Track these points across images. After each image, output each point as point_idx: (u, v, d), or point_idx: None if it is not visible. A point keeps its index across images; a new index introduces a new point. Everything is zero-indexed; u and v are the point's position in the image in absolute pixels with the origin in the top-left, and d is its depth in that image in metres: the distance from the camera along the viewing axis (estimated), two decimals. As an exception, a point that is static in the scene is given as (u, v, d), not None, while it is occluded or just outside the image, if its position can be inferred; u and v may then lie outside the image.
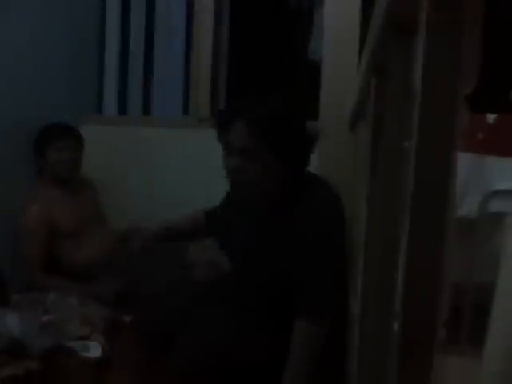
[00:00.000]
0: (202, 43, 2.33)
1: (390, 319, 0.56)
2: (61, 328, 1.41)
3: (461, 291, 1.42)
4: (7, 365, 1.21)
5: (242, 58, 2.58)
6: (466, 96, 0.38)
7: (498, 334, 0.36)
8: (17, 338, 1.32)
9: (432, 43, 0.37)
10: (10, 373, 1.17)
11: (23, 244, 1.82)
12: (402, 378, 0.38)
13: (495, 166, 1.56)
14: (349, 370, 1.07)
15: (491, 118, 1.59)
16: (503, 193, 1.54)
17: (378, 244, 0.67)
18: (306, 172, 1.33)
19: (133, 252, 1.92)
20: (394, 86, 0.54)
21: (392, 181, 0.59)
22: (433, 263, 0.40)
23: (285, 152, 1.22)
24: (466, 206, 1.53)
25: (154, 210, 2.26)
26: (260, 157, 1.21)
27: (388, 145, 0.59)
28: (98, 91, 2.45)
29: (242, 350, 1.25)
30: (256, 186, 1.24)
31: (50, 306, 1.49)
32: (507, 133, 1.59)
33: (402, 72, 0.51)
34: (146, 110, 2.47)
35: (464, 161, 1.53)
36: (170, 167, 2.30)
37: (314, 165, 1.44)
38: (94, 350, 1.38)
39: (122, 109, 2.46)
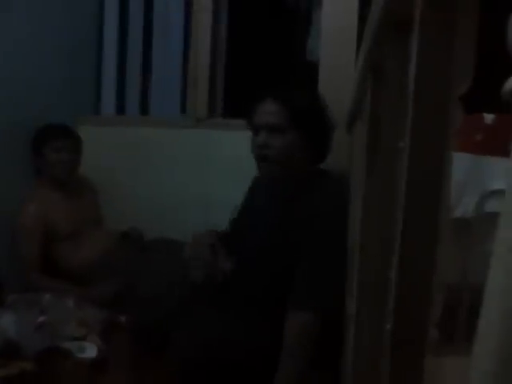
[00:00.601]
0: (201, 43, 2.33)
1: (383, 319, 0.56)
2: (56, 329, 1.41)
3: (457, 291, 1.42)
4: (2, 366, 1.20)
5: (240, 57, 2.58)
6: (460, 97, 0.38)
7: (487, 335, 0.36)
8: (12, 338, 1.31)
9: (425, 42, 0.37)
10: (4, 373, 1.17)
11: (20, 244, 1.81)
12: (393, 378, 0.38)
13: (493, 166, 1.56)
14: (344, 371, 1.07)
15: (489, 118, 1.59)
16: (500, 193, 1.54)
17: (373, 244, 0.67)
18: (321, 169, 1.39)
19: (132, 253, 1.92)
20: (390, 85, 0.54)
21: (387, 181, 0.59)
22: (425, 263, 0.40)
23: (309, 133, 1.30)
24: (463, 206, 1.53)
25: (152, 210, 2.26)
26: (286, 133, 1.27)
27: (384, 145, 0.59)
28: (95, 91, 2.44)
29: (238, 347, 1.25)
30: (280, 162, 1.29)
31: (46, 307, 1.49)
32: (505, 133, 1.59)
33: (398, 71, 0.51)
34: (144, 110, 2.47)
35: (461, 161, 1.53)
36: (168, 167, 2.29)
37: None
38: (90, 351, 1.38)
39: (120, 109, 2.46)
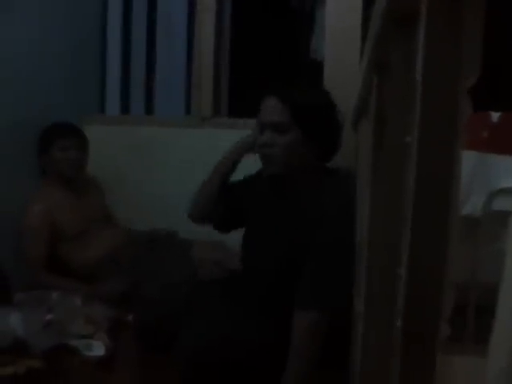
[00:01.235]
0: (204, 42, 2.33)
1: (392, 317, 0.55)
2: (64, 327, 1.41)
3: (465, 290, 1.41)
4: (10, 364, 1.21)
5: (245, 57, 2.58)
6: (468, 90, 0.38)
7: (502, 334, 0.36)
8: (20, 336, 1.32)
9: (432, 34, 0.36)
10: (12, 371, 1.17)
11: (26, 244, 1.82)
12: (403, 376, 0.38)
13: (500, 164, 1.55)
14: (353, 370, 1.07)
15: (495, 116, 1.58)
16: (508, 191, 1.53)
17: (381, 241, 0.66)
18: (328, 167, 1.38)
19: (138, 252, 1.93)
20: (395, 80, 0.53)
21: (395, 177, 0.59)
22: (435, 260, 0.40)
23: (313, 131, 1.28)
24: (471, 204, 1.52)
25: (157, 209, 2.26)
26: (289, 131, 1.27)
27: (390, 141, 0.59)
28: (100, 91, 2.45)
29: (244, 346, 1.25)
30: (283, 160, 1.29)
31: (54, 305, 1.49)
32: (511, 131, 1.58)
33: (404, 65, 0.51)
34: (149, 109, 2.47)
35: (468, 159, 1.52)
36: (173, 166, 2.30)
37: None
38: (98, 349, 1.38)
39: (125, 109, 2.46)
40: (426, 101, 0.37)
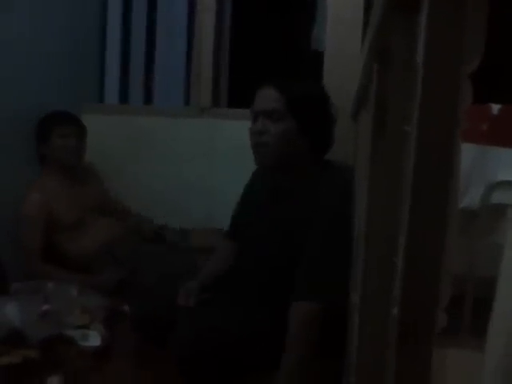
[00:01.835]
0: (205, 33, 2.31)
1: (388, 308, 0.55)
2: (60, 317, 1.41)
3: (462, 282, 1.41)
4: (6, 354, 1.20)
5: (245, 47, 2.56)
6: (469, 75, 0.37)
7: (500, 324, 0.35)
8: (16, 326, 1.31)
9: (435, 20, 0.35)
10: (8, 361, 1.17)
11: (23, 233, 1.81)
12: (400, 365, 0.37)
13: (499, 157, 1.55)
14: (349, 359, 1.07)
15: (495, 108, 1.57)
16: (506, 184, 1.52)
17: (379, 232, 0.66)
18: (325, 159, 1.37)
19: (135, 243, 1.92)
20: (396, 68, 0.52)
21: (393, 167, 0.58)
22: (433, 249, 0.39)
23: (307, 122, 1.28)
24: (469, 196, 1.52)
25: (155, 198, 2.26)
26: (282, 120, 1.26)
27: (389, 130, 0.58)
28: (99, 80, 2.43)
29: (241, 335, 1.25)
30: (276, 149, 1.27)
31: (50, 295, 1.49)
32: (511, 123, 1.57)
33: (405, 53, 0.50)
34: (148, 99, 2.46)
35: (468, 151, 1.52)
36: (172, 156, 2.29)
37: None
38: (94, 339, 1.38)
39: (124, 98, 2.45)
40: (426, 87, 0.36)
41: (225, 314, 1.32)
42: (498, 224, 1.46)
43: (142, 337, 1.43)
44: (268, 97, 1.28)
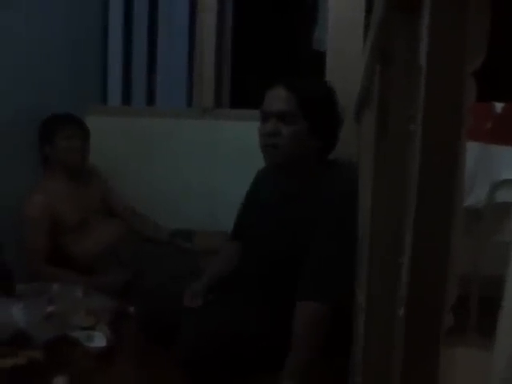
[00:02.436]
0: (206, 34, 2.31)
1: (394, 307, 0.55)
2: (65, 318, 1.41)
3: (467, 282, 1.40)
4: (12, 355, 1.21)
5: (247, 48, 2.56)
6: (473, 72, 0.37)
7: (509, 323, 0.35)
8: (21, 328, 1.32)
9: (437, 19, 0.35)
10: (13, 362, 1.17)
11: (26, 235, 1.81)
12: (406, 365, 0.37)
13: (503, 156, 1.54)
14: (354, 359, 1.06)
15: (499, 106, 1.57)
16: (511, 182, 1.52)
17: (383, 232, 0.66)
18: (329, 158, 1.37)
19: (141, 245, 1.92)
20: (399, 68, 0.52)
21: (398, 167, 0.58)
22: (439, 249, 0.39)
23: (318, 123, 1.28)
24: (474, 195, 1.51)
25: (158, 199, 2.26)
26: (294, 121, 1.26)
27: (393, 130, 0.58)
28: (102, 82, 2.44)
29: (245, 335, 1.25)
30: (287, 150, 1.27)
31: (55, 297, 1.50)
32: (515, 122, 1.56)
33: (407, 52, 0.50)
34: (150, 100, 2.46)
35: (472, 150, 1.51)
36: (174, 158, 2.29)
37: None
38: (99, 341, 1.38)
39: (126, 99, 2.45)
40: (430, 87, 0.36)
41: (229, 314, 1.32)
42: (504, 223, 1.46)
43: (146, 338, 1.44)
44: (279, 98, 1.27)
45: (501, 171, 1.53)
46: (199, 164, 2.28)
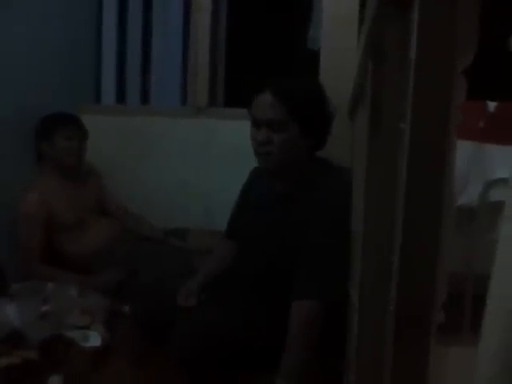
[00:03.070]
0: (201, 32, 2.31)
1: (387, 305, 0.55)
2: (60, 318, 1.41)
3: (461, 280, 1.41)
4: (6, 355, 1.20)
5: (241, 47, 2.56)
6: (464, 71, 0.37)
7: (493, 321, 0.35)
8: (16, 327, 1.31)
9: (427, 16, 0.35)
10: (7, 362, 1.17)
11: (21, 233, 1.80)
12: (397, 360, 0.37)
13: (496, 154, 1.55)
14: (348, 358, 1.07)
15: (492, 105, 1.57)
16: (504, 181, 1.52)
17: (376, 231, 0.66)
18: (320, 157, 1.37)
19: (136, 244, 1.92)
20: (390, 65, 0.52)
21: (389, 165, 0.58)
22: (428, 246, 0.39)
23: (310, 125, 1.27)
24: (467, 194, 1.52)
25: (152, 198, 2.26)
26: (285, 128, 1.25)
27: (386, 128, 0.58)
28: (96, 81, 2.43)
29: (240, 333, 1.25)
30: (280, 157, 1.28)
31: (50, 296, 1.49)
32: (508, 121, 1.57)
33: (399, 50, 0.50)
34: (145, 99, 2.46)
35: (465, 149, 1.52)
36: (168, 156, 2.29)
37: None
38: (94, 340, 1.38)
39: (120, 98, 2.45)
40: (419, 83, 0.36)
41: (223, 313, 1.32)
42: (497, 221, 1.46)
43: (142, 337, 1.43)
44: (268, 105, 1.25)
45: (494, 170, 1.54)
46: (194, 163, 2.28)
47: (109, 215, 2.09)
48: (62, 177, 1.92)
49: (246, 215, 1.48)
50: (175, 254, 1.91)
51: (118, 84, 2.43)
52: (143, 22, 2.40)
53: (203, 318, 1.29)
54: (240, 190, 1.55)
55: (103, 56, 2.41)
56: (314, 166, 1.34)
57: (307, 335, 1.18)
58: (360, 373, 0.74)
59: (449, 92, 0.35)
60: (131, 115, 2.34)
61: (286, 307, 1.20)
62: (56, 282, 1.58)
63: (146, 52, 2.43)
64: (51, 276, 1.71)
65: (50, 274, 1.75)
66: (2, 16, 1.78)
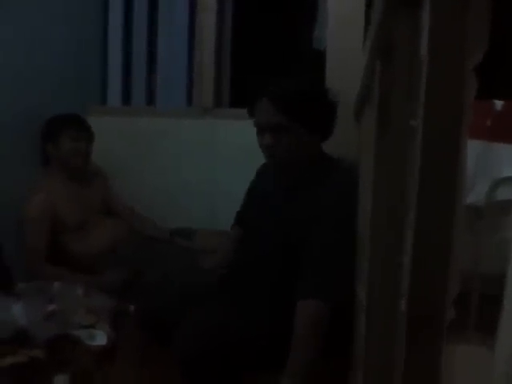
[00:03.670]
0: (206, 33, 2.31)
1: (396, 304, 0.55)
2: (66, 317, 1.41)
3: (468, 279, 1.40)
4: (12, 354, 1.21)
5: (246, 47, 2.56)
6: (474, 68, 0.37)
7: (510, 321, 0.35)
8: (22, 326, 1.32)
9: (438, 13, 0.35)
10: (14, 361, 1.17)
11: (27, 234, 1.81)
12: (409, 359, 0.37)
13: (503, 153, 1.54)
14: (355, 357, 1.06)
15: (499, 104, 1.57)
16: (511, 180, 1.52)
17: (384, 230, 0.66)
18: (327, 154, 1.39)
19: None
20: (400, 63, 0.52)
21: (398, 163, 0.58)
22: (441, 245, 0.39)
23: (311, 122, 1.29)
24: (475, 193, 1.51)
25: (159, 199, 2.26)
26: (288, 130, 1.27)
27: (394, 126, 0.58)
28: (102, 82, 2.44)
29: (244, 334, 1.25)
30: (291, 156, 1.29)
31: (55, 295, 1.49)
32: (515, 119, 1.56)
33: (408, 48, 0.50)
34: (150, 100, 2.46)
35: (472, 148, 1.51)
36: (174, 157, 2.29)
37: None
38: (100, 339, 1.39)
39: (126, 100, 2.45)
40: (431, 81, 0.36)
41: (227, 313, 1.32)
42: (504, 220, 1.46)
43: (147, 336, 1.44)
44: (268, 111, 1.27)
45: (501, 169, 1.53)
46: (199, 163, 2.28)
47: (115, 216, 2.10)
48: (67, 178, 1.93)
49: (251, 210, 1.48)
50: (181, 254, 1.91)
51: (124, 85, 2.44)
52: (149, 22, 2.41)
53: (205, 318, 1.29)
54: (249, 184, 1.57)
55: (109, 57, 2.42)
56: (321, 162, 1.35)
57: (313, 335, 1.17)
58: (368, 372, 0.73)
59: (461, 89, 0.35)
60: (137, 116, 2.34)
61: (291, 306, 1.20)
62: (62, 282, 1.59)
63: (151, 52, 2.43)
64: (57, 276, 1.71)
65: (55, 273, 1.75)
66: (7, 16, 1.79)
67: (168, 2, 2.39)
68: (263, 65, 2.54)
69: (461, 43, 0.37)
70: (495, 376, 0.34)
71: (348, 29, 1.78)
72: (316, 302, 1.18)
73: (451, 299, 0.39)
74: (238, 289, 1.41)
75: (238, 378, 1.24)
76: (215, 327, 1.26)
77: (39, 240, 1.80)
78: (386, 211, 0.64)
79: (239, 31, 2.49)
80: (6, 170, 1.82)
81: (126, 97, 2.45)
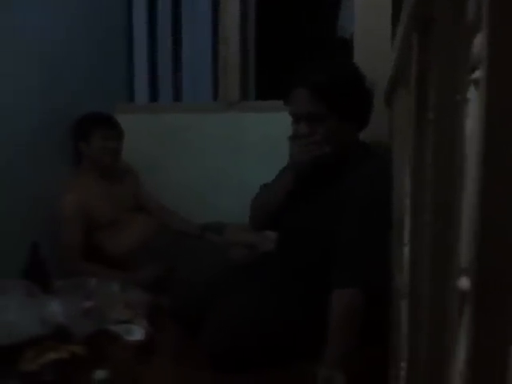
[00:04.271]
0: (230, 27, 2.30)
1: (444, 292, 0.52)
2: (103, 313, 1.43)
3: None
4: (53, 350, 1.23)
5: (271, 39, 2.54)
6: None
7: None
8: (62, 323, 1.34)
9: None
10: (57, 356, 1.20)
11: (62, 232, 1.85)
12: (472, 363, 0.34)
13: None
14: (393, 346, 1.04)
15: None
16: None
17: (426, 214, 0.63)
18: (362, 141, 1.37)
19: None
20: (441, 34, 0.49)
21: (441, 142, 0.55)
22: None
23: (348, 112, 1.27)
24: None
25: (187, 194, 2.27)
26: (326, 119, 1.25)
27: (435, 103, 0.55)
28: (128, 80, 2.46)
29: (277, 326, 1.24)
30: (329, 144, 1.28)
31: (92, 292, 1.52)
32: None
33: (451, 18, 0.47)
34: (177, 96, 2.47)
35: None
36: (202, 152, 2.30)
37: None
38: (138, 334, 1.40)
39: (153, 96, 2.47)
40: (493, 46, 0.32)
41: (258, 303, 1.31)
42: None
43: (181, 330, 1.45)
44: (305, 100, 1.26)
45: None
46: (227, 157, 2.28)
47: (146, 212, 2.12)
48: (99, 176, 1.96)
49: (284, 203, 1.46)
50: (212, 249, 1.92)
51: (151, 83, 2.46)
52: (172, 19, 2.42)
53: (235, 312, 1.29)
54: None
55: (135, 55, 2.44)
56: (356, 151, 1.32)
57: (350, 324, 1.16)
58: (412, 362, 0.71)
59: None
60: (164, 112, 2.36)
61: (322, 295, 1.18)
62: (98, 278, 1.61)
63: (176, 49, 2.44)
64: (92, 273, 1.74)
65: (91, 271, 1.78)
66: (32, 15, 1.81)
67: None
68: (288, 55, 2.51)
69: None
70: None
71: (375, 14, 1.73)
72: (352, 290, 1.16)
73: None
74: (270, 279, 1.40)
75: (270, 369, 1.23)
76: (246, 320, 1.26)
77: (74, 238, 1.83)
78: (429, 192, 0.61)
79: (263, 23, 2.47)
80: (38, 169, 1.85)
81: (153, 94, 2.47)
